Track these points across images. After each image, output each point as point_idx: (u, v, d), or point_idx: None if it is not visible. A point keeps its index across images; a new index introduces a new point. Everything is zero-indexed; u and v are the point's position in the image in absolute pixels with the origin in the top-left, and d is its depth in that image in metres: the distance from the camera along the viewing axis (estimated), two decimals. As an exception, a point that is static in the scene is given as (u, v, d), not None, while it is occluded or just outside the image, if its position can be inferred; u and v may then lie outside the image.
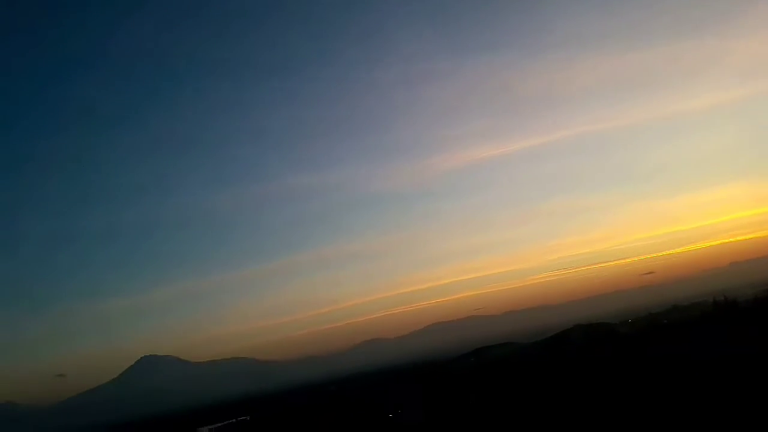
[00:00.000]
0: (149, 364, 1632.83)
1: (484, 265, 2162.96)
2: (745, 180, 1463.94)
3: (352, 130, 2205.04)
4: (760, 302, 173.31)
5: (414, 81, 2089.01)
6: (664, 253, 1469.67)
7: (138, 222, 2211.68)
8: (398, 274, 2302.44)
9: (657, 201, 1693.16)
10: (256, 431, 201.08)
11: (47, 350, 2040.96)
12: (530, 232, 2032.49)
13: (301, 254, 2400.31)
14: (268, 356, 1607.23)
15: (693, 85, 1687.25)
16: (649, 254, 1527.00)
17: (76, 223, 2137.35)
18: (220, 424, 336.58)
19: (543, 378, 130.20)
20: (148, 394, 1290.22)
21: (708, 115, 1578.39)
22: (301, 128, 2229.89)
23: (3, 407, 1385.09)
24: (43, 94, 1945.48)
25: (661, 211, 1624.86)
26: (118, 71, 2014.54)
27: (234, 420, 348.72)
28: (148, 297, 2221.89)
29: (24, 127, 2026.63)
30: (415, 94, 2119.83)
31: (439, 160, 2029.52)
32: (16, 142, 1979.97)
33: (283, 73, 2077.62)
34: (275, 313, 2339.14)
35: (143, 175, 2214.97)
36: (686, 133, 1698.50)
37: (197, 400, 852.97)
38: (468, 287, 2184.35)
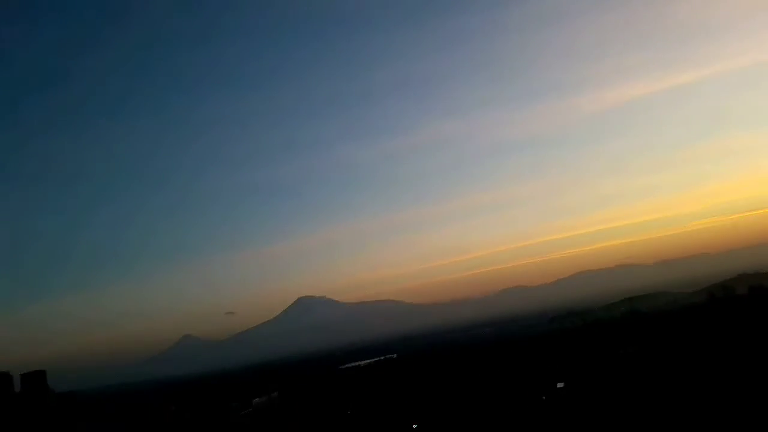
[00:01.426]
0: (305, 304, 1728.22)
1: (633, 213, 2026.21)
2: None
3: (493, 72, 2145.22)
4: None
5: (556, 16, 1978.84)
6: None
7: (295, 175, 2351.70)
8: (543, 221, 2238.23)
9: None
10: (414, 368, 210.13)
11: (219, 291, 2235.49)
12: (683, 176, 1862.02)
13: (446, 201, 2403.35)
14: (414, 299, 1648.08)
15: None
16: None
17: (247, 179, 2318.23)
18: (369, 361, 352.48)
19: (706, 329, 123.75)
20: (305, 332, 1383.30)
21: None
22: (441, 75, 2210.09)
23: (184, 339, 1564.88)
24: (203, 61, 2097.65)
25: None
26: (261, 36, 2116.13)
27: (382, 357, 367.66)
28: (304, 242, 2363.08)
29: (203, 94, 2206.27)
30: (557, 30, 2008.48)
31: (583, 101, 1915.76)
32: (198, 109, 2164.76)
33: (419, 21, 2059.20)
34: (421, 258, 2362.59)
35: (295, 132, 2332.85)
36: None
37: (349, 338, 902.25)
38: (616, 235, 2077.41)
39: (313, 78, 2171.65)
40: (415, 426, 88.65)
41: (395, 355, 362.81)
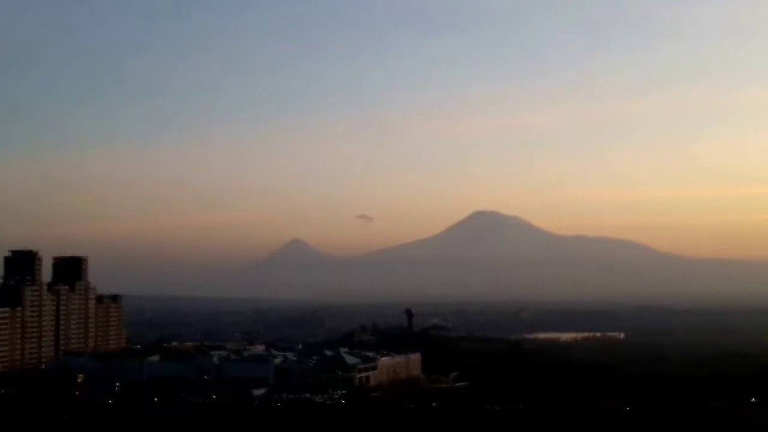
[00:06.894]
0: (484, 222, 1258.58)
1: None
2: None
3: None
4: None
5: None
6: None
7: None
8: None
9: None
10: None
11: (348, 186, 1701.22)
12: None
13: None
14: (671, 248, 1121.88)
15: None
16: None
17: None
18: (571, 336, 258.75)
19: None
20: (482, 266, 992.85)
21: None
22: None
23: (294, 243, 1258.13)
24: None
25: None
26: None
27: (597, 334, 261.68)
28: (483, 130, 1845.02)
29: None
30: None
31: None
32: None
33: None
34: (697, 176, 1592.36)
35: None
36: None
37: (547, 288, 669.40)
38: None
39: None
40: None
41: (622, 335, 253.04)
